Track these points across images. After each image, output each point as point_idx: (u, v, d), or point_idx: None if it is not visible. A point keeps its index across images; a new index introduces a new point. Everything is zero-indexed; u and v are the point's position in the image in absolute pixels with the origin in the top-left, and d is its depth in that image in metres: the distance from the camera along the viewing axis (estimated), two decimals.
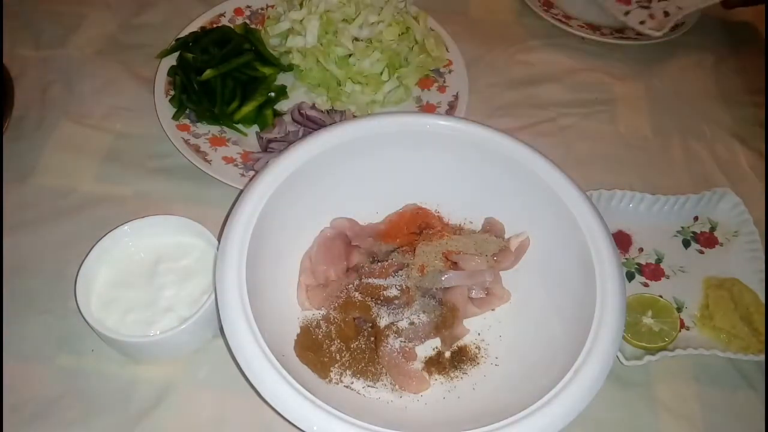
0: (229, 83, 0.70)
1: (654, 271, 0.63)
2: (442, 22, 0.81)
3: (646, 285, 0.62)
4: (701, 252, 0.64)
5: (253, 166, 0.66)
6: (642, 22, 0.86)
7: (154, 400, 0.53)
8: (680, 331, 0.57)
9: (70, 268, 0.55)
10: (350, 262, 0.58)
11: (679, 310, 0.60)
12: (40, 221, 0.63)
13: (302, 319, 0.55)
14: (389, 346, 0.53)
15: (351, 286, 0.56)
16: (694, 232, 0.66)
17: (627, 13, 0.88)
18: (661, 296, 0.60)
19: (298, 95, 0.75)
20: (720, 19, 0.91)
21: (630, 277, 0.62)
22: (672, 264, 0.64)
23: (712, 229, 0.66)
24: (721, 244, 0.65)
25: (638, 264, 0.64)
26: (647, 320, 0.57)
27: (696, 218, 0.66)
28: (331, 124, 0.61)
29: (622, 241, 0.65)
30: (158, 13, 0.84)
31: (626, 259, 0.64)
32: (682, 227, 0.66)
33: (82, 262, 0.53)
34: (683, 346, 0.56)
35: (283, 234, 0.55)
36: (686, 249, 0.64)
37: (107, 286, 0.55)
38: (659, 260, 0.64)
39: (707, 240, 0.65)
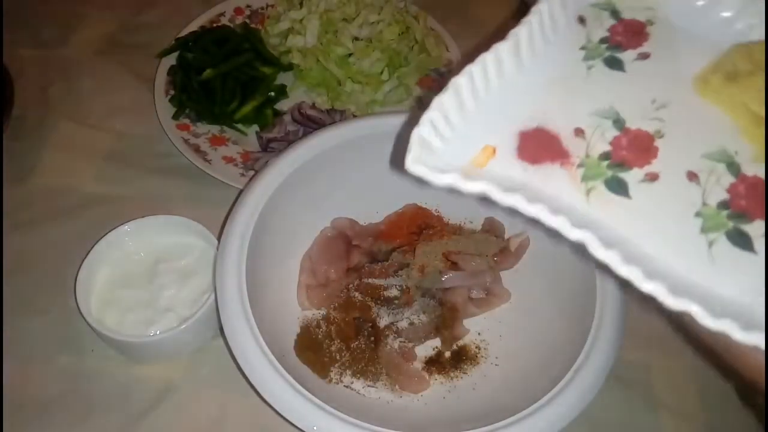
0: (229, 83, 0.70)
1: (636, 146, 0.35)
2: (442, 21, 0.81)
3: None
4: (643, 57, 0.38)
5: (253, 165, 0.66)
6: None
7: (154, 400, 0.53)
8: None
9: (70, 268, 0.55)
10: (350, 262, 0.58)
11: None
12: (40, 221, 0.63)
13: (302, 319, 0.55)
14: (389, 346, 0.54)
15: (351, 286, 0.56)
16: (605, 40, 0.39)
17: None
18: None
19: (298, 95, 0.75)
20: None
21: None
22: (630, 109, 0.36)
23: (616, 14, 0.40)
24: (651, 23, 0.40)
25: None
26: None
27: (582, 20, 0.39)
28: (331, 124, 0.61)
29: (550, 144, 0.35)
30: (158, 13, 0.84)
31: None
32: (584, 47, 0.38)
33: (82, 262, 0.53)
34: None
35: (283, 234, 0.55)
36: (617, 71, 0.37)
37: (107, 285, 0.55)
38: (618, 124, 0.35)
39: (630, 33, 0.39)
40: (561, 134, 0.35)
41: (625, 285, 0.29)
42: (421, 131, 0.32)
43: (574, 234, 0.29)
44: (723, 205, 0.33)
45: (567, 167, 0.34)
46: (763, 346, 0.27)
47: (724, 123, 0.36)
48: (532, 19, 0.37)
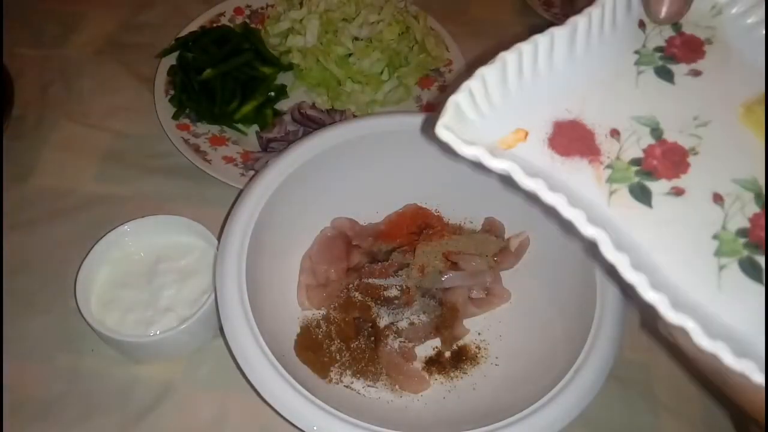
0: (228, 83, 0.70)
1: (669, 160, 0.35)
2: (442, 21, 0.81)
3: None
4: (695, 73, 0.38)
5: (253, 165, 0.66)
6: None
7: (153, 400, 0.53)
8: None
9: (70, 268, 0.55)
10: (350, 262, 0.58)
11: None
12: (39, 221, 0.63)
13: (302, 319, 0.55)
14: (389, 346, 0.54)
15: (351, 286, 0.56)
16: (660, 49, 0.39)
17: None
18: None
19: (298, 95, 0.75)
20: None
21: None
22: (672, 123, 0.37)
23: (677, 26, 0.40)
24: (709, 42, 0.40)
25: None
26: None
27: (642, 24, 0.40)
28: (331, 124, 0.60)
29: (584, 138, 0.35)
30: (158, 13, 0.84)
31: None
32: (638, 52, 0.39)
33: (82, 262, 0.53)
34: None
35: (283, 234, 0.55)
36: (666, 82, 0.38)
37: (107, 285, 0.55)
38: (655, 133, 0.36)
39: (687, 48, 0.39)
40: (596, 131, 0.35)
41: (629, 293, 0.29)
42: (458, 99, 0.32)
43: (588, 230, 0.29)
44: (742, 233, 0.33)
45: (595, 165, 0.34)
46: (751, 375, 0.27)
47: (761, 153, 0.36)
48: (593, 12, 0.36)
